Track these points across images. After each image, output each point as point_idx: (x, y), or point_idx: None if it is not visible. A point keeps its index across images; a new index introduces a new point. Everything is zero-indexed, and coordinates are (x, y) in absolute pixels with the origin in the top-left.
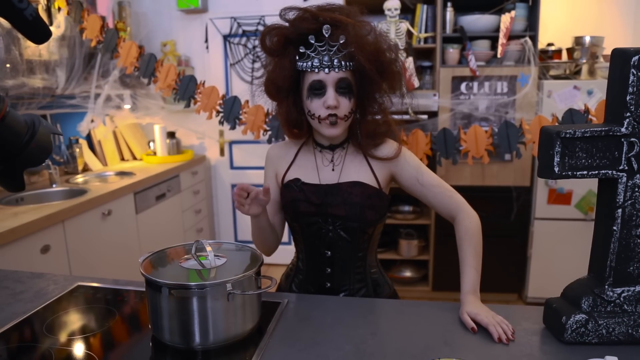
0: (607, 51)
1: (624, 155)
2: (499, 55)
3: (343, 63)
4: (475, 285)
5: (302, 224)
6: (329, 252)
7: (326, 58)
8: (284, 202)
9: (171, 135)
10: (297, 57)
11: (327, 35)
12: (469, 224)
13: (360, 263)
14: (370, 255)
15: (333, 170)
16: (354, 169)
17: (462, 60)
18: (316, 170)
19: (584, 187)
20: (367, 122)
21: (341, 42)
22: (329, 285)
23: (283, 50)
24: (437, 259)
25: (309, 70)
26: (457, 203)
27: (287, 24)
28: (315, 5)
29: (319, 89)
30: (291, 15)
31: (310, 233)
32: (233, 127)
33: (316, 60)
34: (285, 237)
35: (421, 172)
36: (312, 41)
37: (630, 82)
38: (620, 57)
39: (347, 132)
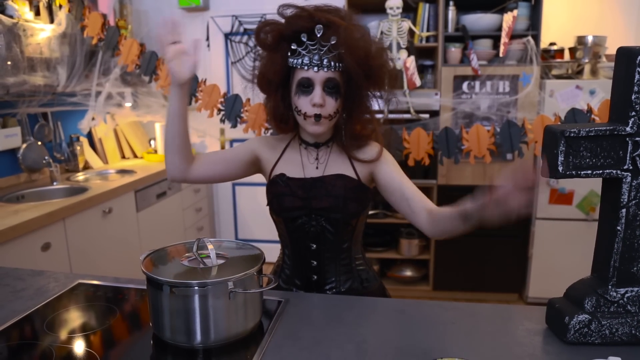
0: (610, 51)
1: (628, 155)
2: (501, 55)
3: (332, 63)
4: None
5: (287, 219)
6: (314, 245)
7: (316, 57)
8: (270, 198)
9: None
10: (289, 54)
11: (319, 35)
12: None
13: (345, 255)
14: (355, 247)
15: (317, 168)
16: (336, 167)
17: (464, 59)
18: (301, 166)
19: (585, 187)
20: (352, 123)
21: (332, 42)
22: (315, 278)
23: (276, 46)
24: (438, 258)
25: (299, 67)
26: (428, 201)
27: (282, 20)
28: (312, 5)
29: (307, 86)
30: (288, 12)
31: (295, 227)
32: (234, 126)
33: (307, 59)
34: (275, 234)
35: (400, 171)
36: (304, 39)
37: (635, 81)
38: (626, 56)
39: (332, 131)
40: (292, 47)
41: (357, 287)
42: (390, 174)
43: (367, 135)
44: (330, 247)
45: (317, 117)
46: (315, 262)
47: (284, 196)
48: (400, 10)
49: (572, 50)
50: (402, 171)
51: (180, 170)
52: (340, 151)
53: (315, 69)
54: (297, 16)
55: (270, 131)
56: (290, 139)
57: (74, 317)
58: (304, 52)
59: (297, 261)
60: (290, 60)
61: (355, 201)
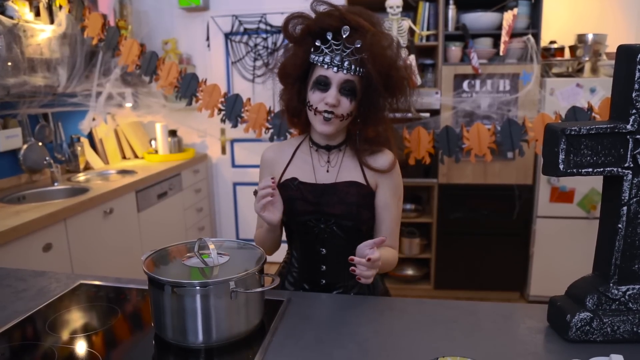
0: (610, 49)
1: (629, 153)
2: (501, 53)
3: (353, 67)
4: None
5: (298, 223)
6: (324, 250)
7: (338, 58)
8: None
9: (173, 133)
10: (312, 50)
11: (344, 36)
12: (394, 252)
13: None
14: None
15: (328, 171)
16: (348, 172)
17: (465, 58)
18: (312, 169)
19: (586, 185)
20: (367, 128)
21: (356, 46)
22: (323, 282)
23: (301, 39)
24: (439, 257)
25: (319, 64)
26: (394, 240)
27: (312, 15)
28: (345, 6)
29: (323, 85)
30: (321, 8)
31: (305, 231)
32: (235, 125)
33: (328, 57)
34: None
35: (397, 195)
36: (330, 37)
37: (636, 78)
38: (626, 54)
39: (345, 134)
40: (316, 43)
41: (364, 292)
42: (385, 197)
43: (380, 141)
44: (340, 251)
45: (328, 113)
46: (324, 267)
47: (295, 200)
48: (400, 9)
49: (573, 49)
50: (401, 196)
51: (273, 252)
52: (352, 156)
53: (335, 69)
54: (328, 14)
55: (271, 130)
56: (301, 142)
57: (76, 318)
58: (326, 50)
59: (306, 265)
60: (312, 56)
61: (367, 209)
